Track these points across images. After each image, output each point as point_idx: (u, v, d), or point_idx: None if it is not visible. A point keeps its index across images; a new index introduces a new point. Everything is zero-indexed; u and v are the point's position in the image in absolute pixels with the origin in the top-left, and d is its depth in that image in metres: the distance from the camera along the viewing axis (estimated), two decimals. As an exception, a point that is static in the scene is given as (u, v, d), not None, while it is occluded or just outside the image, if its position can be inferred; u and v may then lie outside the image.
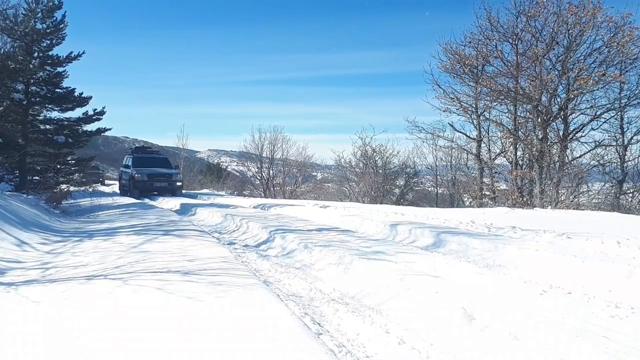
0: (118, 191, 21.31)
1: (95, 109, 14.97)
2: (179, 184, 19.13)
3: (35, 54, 13.86)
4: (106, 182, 35.09)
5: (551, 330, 2.67)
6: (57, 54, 14.19)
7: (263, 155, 26.29)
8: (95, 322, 2.86)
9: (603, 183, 13.82)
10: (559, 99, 13.63)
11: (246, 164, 28.57)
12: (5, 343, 2.56)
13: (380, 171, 20.97)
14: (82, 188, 15.11)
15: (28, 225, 7.01)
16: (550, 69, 13.23)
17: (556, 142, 13.68)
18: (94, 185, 29.41)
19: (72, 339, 2.58)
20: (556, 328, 2.70)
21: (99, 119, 15.07)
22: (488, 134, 16.68)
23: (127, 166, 19.36)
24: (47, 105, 14.57)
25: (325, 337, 2.78)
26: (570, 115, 13.77)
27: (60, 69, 14.41)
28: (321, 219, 9.05)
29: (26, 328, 2.80)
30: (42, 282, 3.86)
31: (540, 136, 13.20)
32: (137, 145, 21.79)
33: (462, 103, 15.88)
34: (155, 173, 18.54)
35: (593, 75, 12.63)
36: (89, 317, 2.95)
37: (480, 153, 16.61)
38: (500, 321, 2.85)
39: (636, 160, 14.10)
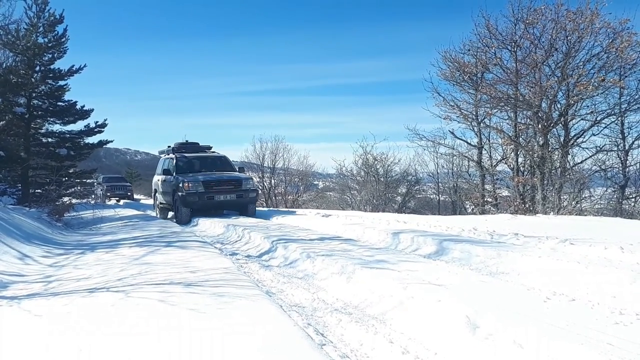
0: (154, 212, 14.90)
1: (97, 122, 15.07)
2: (253, 195, 12.41)
3: (37, 68, 13.97)
4: (134, 196, 31.03)
5: (555, 337, 2.65)
6: (58, 68, 14.32)
7: (264, 164, 26.37)
8: (97, 336, 2.85)
9: (605, 188, 13.79)
10: (559, 105, 13.65)
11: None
12: (7, 358, 2.55)
13: (382, 179, 20.99)
14: (85, 200, 15.05)
15: (30, 238, 7.02)
16: (550, 75, 13.26)
17: (557, 148, 13.68)
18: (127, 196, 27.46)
19: (73, 354, 2.57)
20: (560, 335, 2.68)
21: (100, 132, 15.16)
22: (489, 140, 16.70)
23: (167, 172, 12.92)
24: (49, 118, 14.67)
25: (329, 348, 2.77)
26: (570, 121, 13.78)
27: (61, 83, 14.52)
28: (323, 228, 9.04)
29: (28, 342, 2.79)
30: (45, 296, 3.86)
31: (541, 142, 13.20)
32: (173, 147, 14.08)
33: (462, 110, 15.91)
34: (215, 180, 11.91)
35: (592, 81, 12.65)
36: (91, 330, 2.94)
37: (482, 160, 16.61)
38: (504, 329, 2.84)
39: (638, 165, 14.07)
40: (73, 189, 14.65)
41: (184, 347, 2.61)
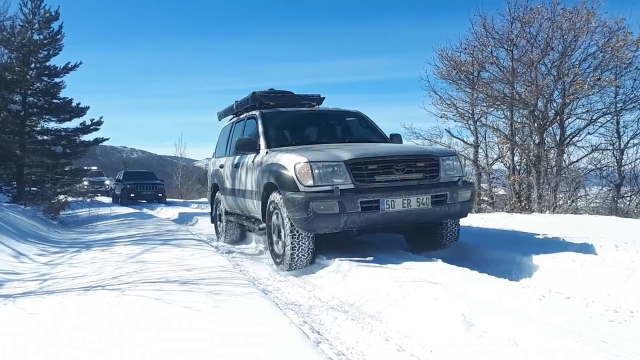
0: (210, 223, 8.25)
1: (93, 119, 14.99)
2: (465, 196, 4.89)
3: (33, 65, 13.89)
4: (167, 199, 23.14)
5: (550, 335, 2.66)
6: (54, 65, 14.24)
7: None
8: (92, 333, 2.84)
9: (600, 187, 13.85)
10: (555, 104, 13.71)
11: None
12: (1, 356, 2.55)
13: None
14: (80, 198, 14.97)
15: (25, 236, 6.99)
16: (546, 74, 13.31)
17: (553, 147, 13.73)
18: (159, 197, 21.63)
19: (68, 351, 2.57)
20: (555, 333, 2.70)
21: (96, 129, 15.08)
22: (485, 139, 16.72)
23: (243, 146, 5.77)
24: (44, 116, 14.59)
25: (325, 346, 2.77)
26: (566, 120, 13.83)
27: (57, 80, 14.43)
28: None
29: (23, 340, 2.78)
30: (40, 294, 3.84)
31: (537, 141, 13.25)
32: (253, 96, 6.46)
33: (459, 109, 15.93)
34: (378, 158, 4.65)
35: (588, 80, 12.71)
36: (86, 328, 2.93)
37: (478, 159, 16.63)
38: (499, 327, 2.85)
39: (633, 163, 14.13)
40: (69, 187, 14.59)
41: (181, 345, 2.60)
